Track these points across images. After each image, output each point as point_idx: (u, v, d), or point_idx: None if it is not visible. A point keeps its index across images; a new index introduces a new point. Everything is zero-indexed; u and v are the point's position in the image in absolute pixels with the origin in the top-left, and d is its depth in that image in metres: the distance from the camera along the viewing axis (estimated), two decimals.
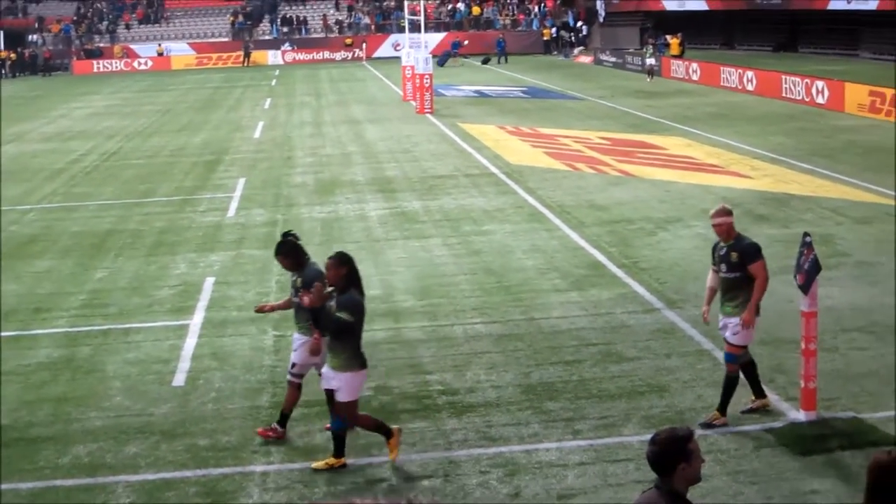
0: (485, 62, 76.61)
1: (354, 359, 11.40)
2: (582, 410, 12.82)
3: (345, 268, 11.39)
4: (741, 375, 12.41)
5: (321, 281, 11.61)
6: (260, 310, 13.27)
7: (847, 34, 67.01)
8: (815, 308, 12.13)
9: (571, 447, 11.93)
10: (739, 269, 12.28)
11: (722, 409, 12.26)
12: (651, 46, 61.56)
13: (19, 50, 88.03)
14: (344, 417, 11.56)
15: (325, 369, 11.60)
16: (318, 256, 20.67)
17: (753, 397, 12.60)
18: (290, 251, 12.45)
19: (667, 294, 17.44)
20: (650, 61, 59.58)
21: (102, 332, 16.73)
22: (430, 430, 12.51)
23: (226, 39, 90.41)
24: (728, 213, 12.42)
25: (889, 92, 37.98)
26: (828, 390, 12.88)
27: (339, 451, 11.67)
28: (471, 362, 14.72)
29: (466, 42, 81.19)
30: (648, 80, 57.88)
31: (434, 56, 74.29)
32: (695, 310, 16.42)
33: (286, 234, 12.69)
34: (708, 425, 12.15)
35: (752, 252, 12.30)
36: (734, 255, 12.28)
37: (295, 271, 12.52)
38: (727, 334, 12.43)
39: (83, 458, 12.15)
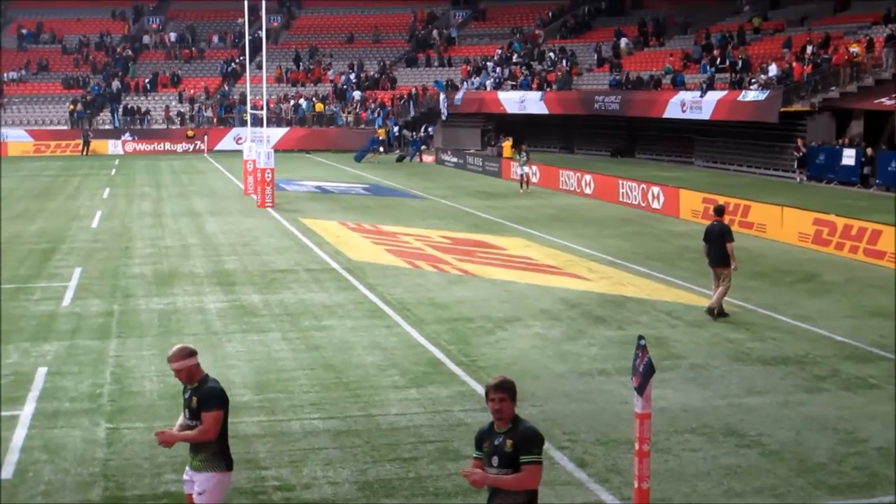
0: (399, 160, 76.52)
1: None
2: None
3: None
4: None
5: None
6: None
7: (682, 141, 68.81)
8: (649, 409, 12.27)
9: None
10: (198, 416, 10.50)
11: None
12: (525, 153, 55.47)
13: None
14: None
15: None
16: (155, 347, 20.57)
17: None
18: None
19: None
20: (524, 169, 54.24)
21: None
22: None
23: (65, 127, 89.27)
24: (188, 354, 10.57)
25: (721, 199, 38.91)
26: (661, 490, 13.05)
27: None
28: (307, 458, 14.62)
29: (382, 139, 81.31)
30: (522, 189, 53.14)
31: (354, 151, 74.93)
32: (532, 409, 16.59)
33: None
34: None
35: (207, 399, 10.47)
36: (194, 399, 10.53)
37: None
38: (195, 493, 10.64)
39: None
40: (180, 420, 10.73)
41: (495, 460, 9.07)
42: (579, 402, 17.09)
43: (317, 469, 14.16)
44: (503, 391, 9.06)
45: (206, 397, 10.41)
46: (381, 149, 79.86)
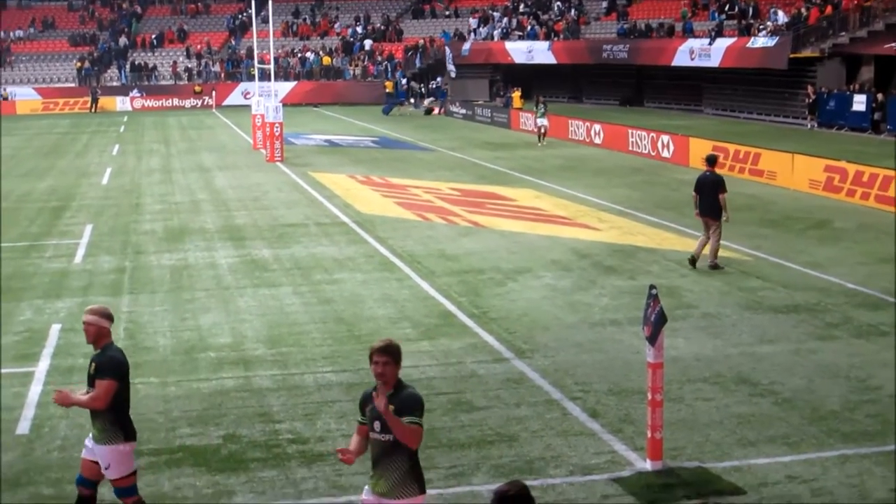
0: (427, 113, 76.26)
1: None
2: (432, 459, 12.80)
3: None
4: None
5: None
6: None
7: (691, 90, 68.57)
8: (661, 359, 12.32)
9: None
10: (93, 383, 10.20)
11: None
12: (543, 105, 53.61)
13: None
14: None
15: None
16: (167, 303, 20.62)
17: None
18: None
19: (516, 344, 17.58)
20: (542, 122, 52.87)
21: None
22: (279, 479, 12.41)
23: (72, 85, 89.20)
24: (105, 315, 10.36)
25: (731, 147, 38.91)
26: (674, 440, 13.08)
27: None
28: (321, 411, 14.67)
29: (389, 92, 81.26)
30: (540, 143, 51.77)
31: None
32: (544, 360, 16.64)
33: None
34: None
35: (103, 367, 10.18)
36: (93, 365, 10.27)
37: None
38: (102, 468, 10.46)
39: None
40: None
41: (377, 425, 8.86)
42: (591, 353, 17.11)
43: (330, 422, 14.20)
44: (387, 354, 8.79)
45: (102, 365, 10.20)
46: (412, 101, 79.60)
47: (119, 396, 10.24)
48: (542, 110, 53.16)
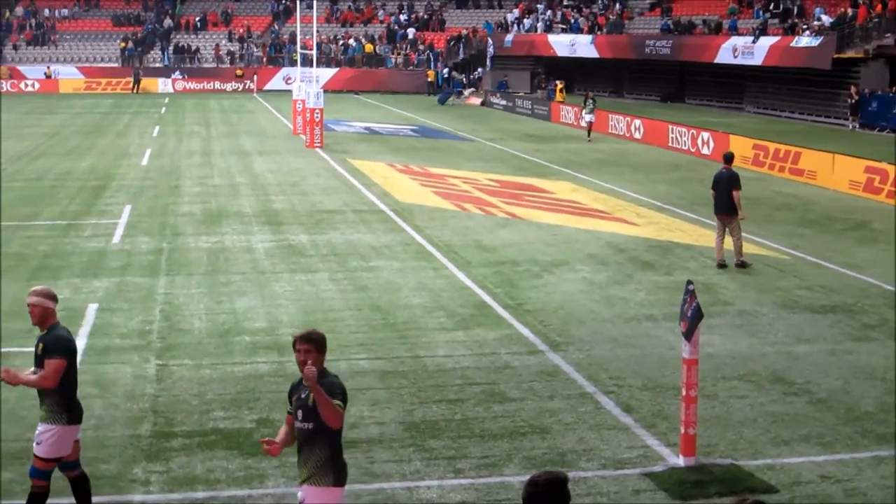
0: (483, 104, 76.17)
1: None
2: (464, 449, 12.83)
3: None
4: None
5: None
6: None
7: (733, 87, 68.32)
8: (697, 355, 12.30)
9: (453, 486, 11.93)
10: (41, 363, 10.24)
11: None
12: (592, 101, 52.08)
13: None
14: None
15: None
16: (203, 286, 20.69)
17: None
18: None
19: (551, 336, 17.56)
20: (591, 118, 51.43)
21: None
22: None
23: (115, 65, 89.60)
24: (50, 296, 10.38)
25: (771, 146, 38.76)
26: (707, 437, 13.05)
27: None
28: (354, 398, 14.63)
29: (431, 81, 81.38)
30: (588, 139, 50.29)
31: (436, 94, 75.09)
32: (578, 353, 16.63)
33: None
34: None
35: (52, 347, 10.20)
36: (40, 346, 10.26)
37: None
38: (35, 442, 10.45)
39: None
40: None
41: (300, 414, 8.79)
42: (626, 347, 17.08)
43: (363, 409, 14.22)
44: (309, 342, 8.70)
45: (51, 344, 10.17)
46: (467, 91, 79.53)
47: (67, 376, 10.20)
48: (591, 106, 51.91)
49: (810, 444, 13.14)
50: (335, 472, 8.84)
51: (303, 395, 8.80)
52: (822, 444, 13.14)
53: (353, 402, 14.40)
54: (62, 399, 10.23)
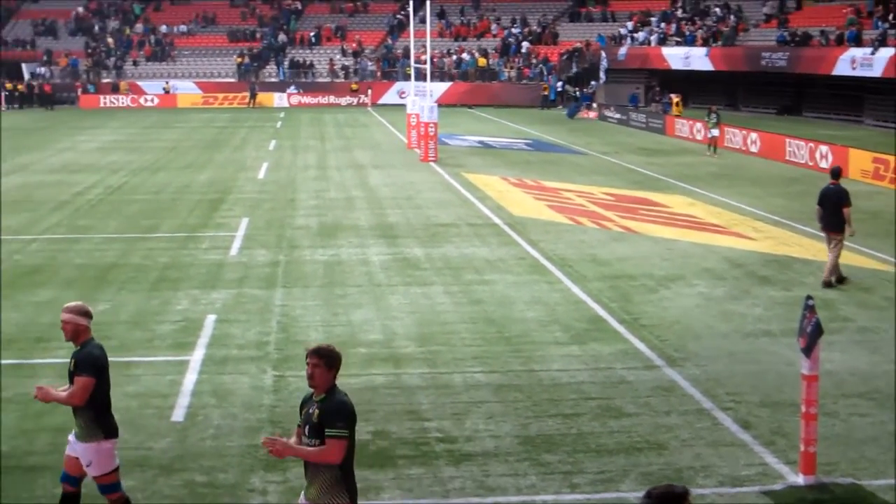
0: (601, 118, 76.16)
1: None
2: (580, 464, 12.78)
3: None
4: None
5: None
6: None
7: (851, 100, 67.23)
8: (817, 372, 12.13)
9: (569, 501, 11.89)
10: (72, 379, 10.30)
11: None
12: (715, 115, 50.37)
13: (28, 82, 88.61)
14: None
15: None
16: (319, 298, 20.86)
17: None
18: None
19: (667, 351, 17.43)
20: (714, 132, 50.05)
21: None
22: (426, 477, 12.48)
23: (232, 80, 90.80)
24: (83, 313, 10.36)
25: (891, 159, 38.12)
26: (827, 455, 12.85)
27: None
28: (470, 411, 14.71)
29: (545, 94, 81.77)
30: (712, 155, 48.89)
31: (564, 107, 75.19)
32: (695, 369, 16.49)
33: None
34: None
35: (82, 364, 10.22)
36: (73, 362, 10.32)
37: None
38: (84, 465, 10.42)
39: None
40: None
41: (307, 430, 8.65)
42: (743, 363, 16.89)
43: (479, 422, 14.23)
44: (317, 357, 8.59)
45: (81, 361, 10.21)
46: (594, 104, 79.37)
47: (98, 393, 10.24)
48: (715, 120, 50.56)
49: None
50: (348, 490, 8.68)
51: (310, 411, 8.71)
52: None
53: (468, 416, 14.45)
54: (95, 416, 10.29)
